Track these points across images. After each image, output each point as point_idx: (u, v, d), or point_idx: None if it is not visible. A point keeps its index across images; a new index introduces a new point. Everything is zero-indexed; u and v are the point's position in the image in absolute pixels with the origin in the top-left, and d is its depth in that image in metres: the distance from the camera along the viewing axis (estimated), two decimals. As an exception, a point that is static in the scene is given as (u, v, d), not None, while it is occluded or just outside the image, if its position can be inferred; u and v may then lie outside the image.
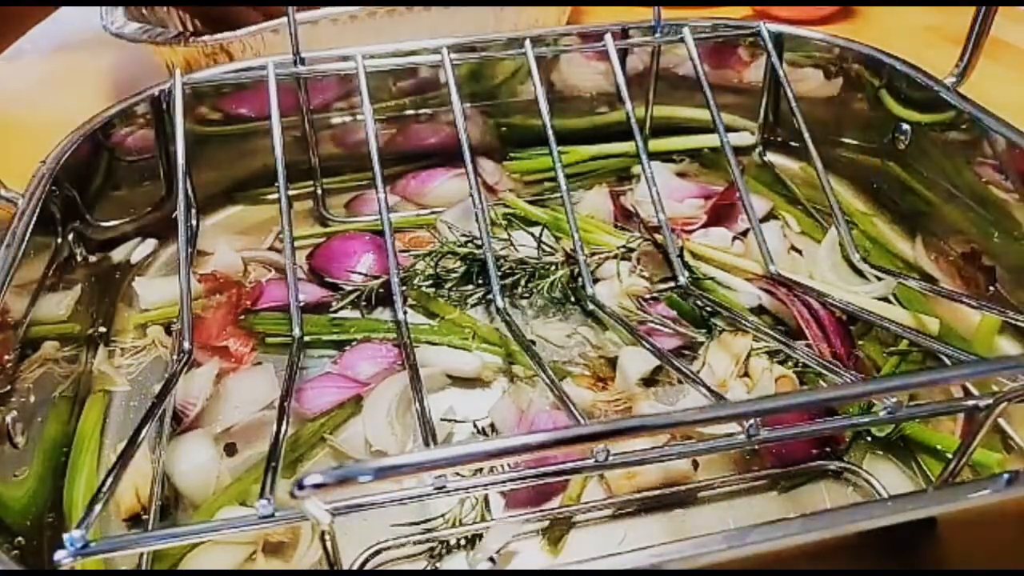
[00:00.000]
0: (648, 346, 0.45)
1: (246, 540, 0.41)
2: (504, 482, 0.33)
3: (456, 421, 0.48)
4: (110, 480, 0.32)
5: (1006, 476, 0.31)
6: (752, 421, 0.29)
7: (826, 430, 0.32)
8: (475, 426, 0.47)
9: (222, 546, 0.41)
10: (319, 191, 0.65)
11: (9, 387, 0.42)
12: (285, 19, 0.58)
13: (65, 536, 0.29)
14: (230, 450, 0.46)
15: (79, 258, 0.52)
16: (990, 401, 0.31)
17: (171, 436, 0.46)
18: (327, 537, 0.29)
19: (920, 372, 0.43)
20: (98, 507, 0.31)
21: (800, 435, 0.32)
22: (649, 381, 0.50)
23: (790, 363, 0.49)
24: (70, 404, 0.47)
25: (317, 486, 0.23)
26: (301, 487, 0.23)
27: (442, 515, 0.42)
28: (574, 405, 0.34)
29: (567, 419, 0.36)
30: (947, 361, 0.45)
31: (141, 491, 0.43)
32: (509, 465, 0.39)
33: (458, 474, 0.34)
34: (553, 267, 0.57)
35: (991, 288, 0.54)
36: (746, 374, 0.49)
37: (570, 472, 0.32)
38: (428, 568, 0.40)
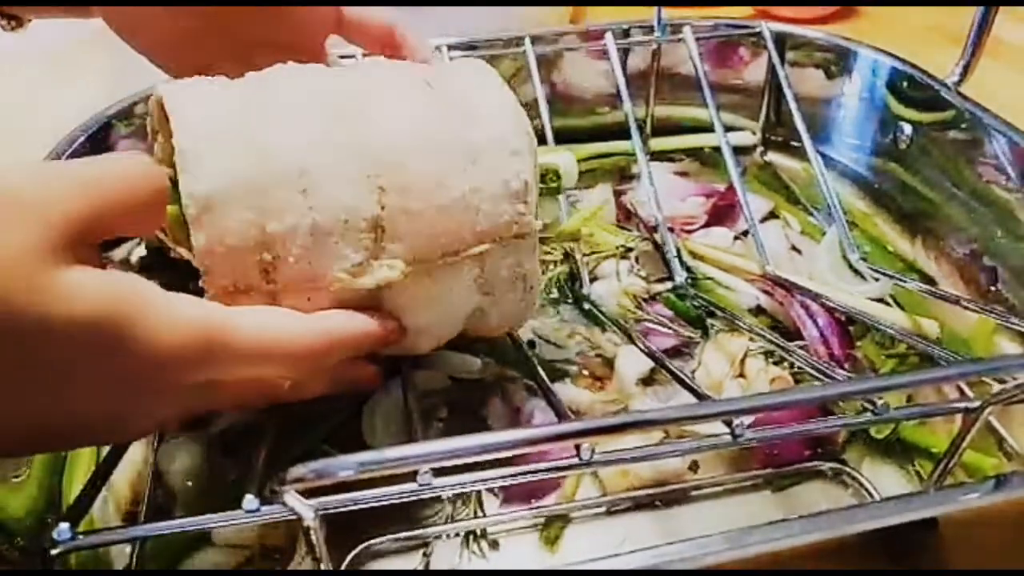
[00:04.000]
0: (641, 346, 0.45)
1: (242, 543, 0.41)
2: (492, 479, 0.33)
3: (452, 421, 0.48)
4: (101, 472, 0.32)
5: (994, 480, 0.31)
6: (738, 421, 0.29)
7: (813, 431, 0.32)
8: (470, 426, 0.48)
9: (218, 549, 0.41)
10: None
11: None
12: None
13: (54, 528, 0.29)
14: (229, 451, 0.46)
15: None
16: (978, 403, 0.31)
17: (167, 436, 0.46)
18: (313, 534, 0.29)
19: (905, 373, 0.43)
20: (89, 499, 0.31)
21: (786, 435, 0.32)
22: (647, 381, 0.50)
23: (785, 364, 0.49)
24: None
25: (297, 480, 0.23)
26: (281, 482, 0.23)
27: (435, 512, 0.42)
28: (560, 403, 0.35)
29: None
30: (942, 363, 0.45)
31: (140, 491, 0.44)
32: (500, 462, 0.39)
33: (446, 471, 0.34)
34: (551, 266, 0.57)
35: (992, 288, 0.54)
36: (742, 375, 0.49)
37: (556, 470, 0.32)
38: (420, 567, 0.40)
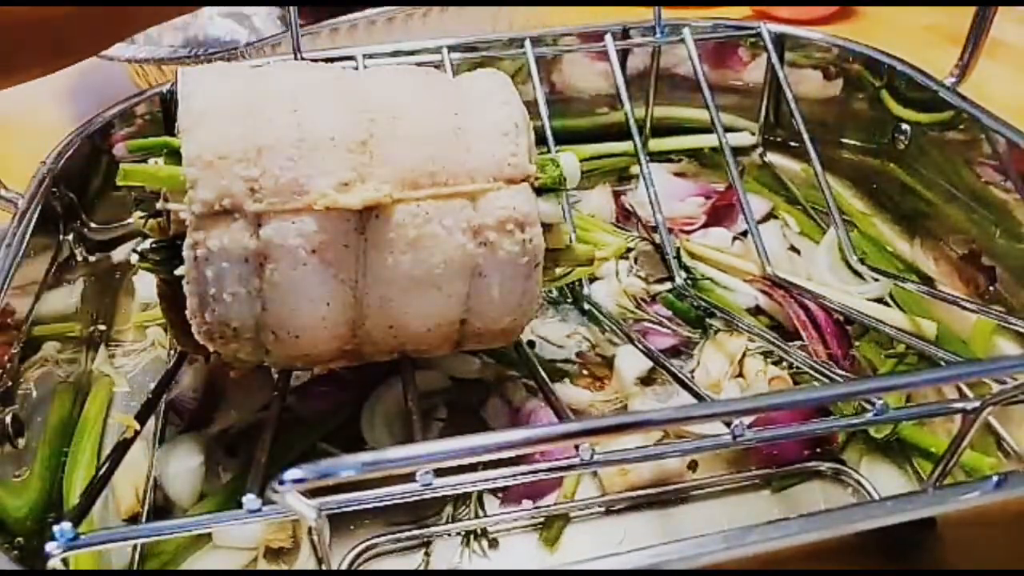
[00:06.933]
0: (640, 347, 0.45)
1: (246, 545, 0.41)
2: (492, 479, 0.33)
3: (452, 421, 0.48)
4: (102, 472, 0.32)
5: (995, 478, 0.31)
6: (737, 421, 0.29)
7: (812, 432, 0.32)
8: (470, 426, 0.48)
9: (222, 551, 0.41)
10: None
11: (9, 387, 0.42)
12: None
13: (55, 528, 0.29)
14: (229, 451, 0.46)
15: (79, 258, 0.53)
16: (977, 404, 0.31)
17: (168, 436, 0.47)
18: (315, 534, 0.29)
19: (904, 373, 0.43)
20: (90, 499, 0.31)
21: (785, 436, 0.32)
22: (646, 380, 0.50)
23: (784, 364, 0.49)
24: (70, 405, 0.48)
25: (299, 480, 0.23)
26: (281, 482, 0.23)
27: (435, 512, 0.42)
28: (560, 403, 0.35)
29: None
30: (941, 363, 0.45)
31: (141, 492, 0.44)
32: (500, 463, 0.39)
33: (446, 471, 0.34)
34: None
35: (991, 288, 0.54)
36: (740, 375, 0.49)
37: (556, 470, 0.32)
38: (421, 566, 0.40)
